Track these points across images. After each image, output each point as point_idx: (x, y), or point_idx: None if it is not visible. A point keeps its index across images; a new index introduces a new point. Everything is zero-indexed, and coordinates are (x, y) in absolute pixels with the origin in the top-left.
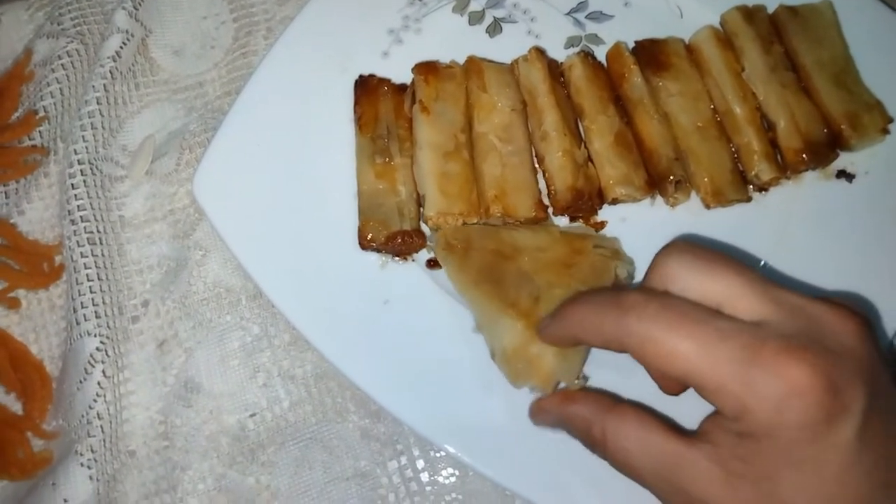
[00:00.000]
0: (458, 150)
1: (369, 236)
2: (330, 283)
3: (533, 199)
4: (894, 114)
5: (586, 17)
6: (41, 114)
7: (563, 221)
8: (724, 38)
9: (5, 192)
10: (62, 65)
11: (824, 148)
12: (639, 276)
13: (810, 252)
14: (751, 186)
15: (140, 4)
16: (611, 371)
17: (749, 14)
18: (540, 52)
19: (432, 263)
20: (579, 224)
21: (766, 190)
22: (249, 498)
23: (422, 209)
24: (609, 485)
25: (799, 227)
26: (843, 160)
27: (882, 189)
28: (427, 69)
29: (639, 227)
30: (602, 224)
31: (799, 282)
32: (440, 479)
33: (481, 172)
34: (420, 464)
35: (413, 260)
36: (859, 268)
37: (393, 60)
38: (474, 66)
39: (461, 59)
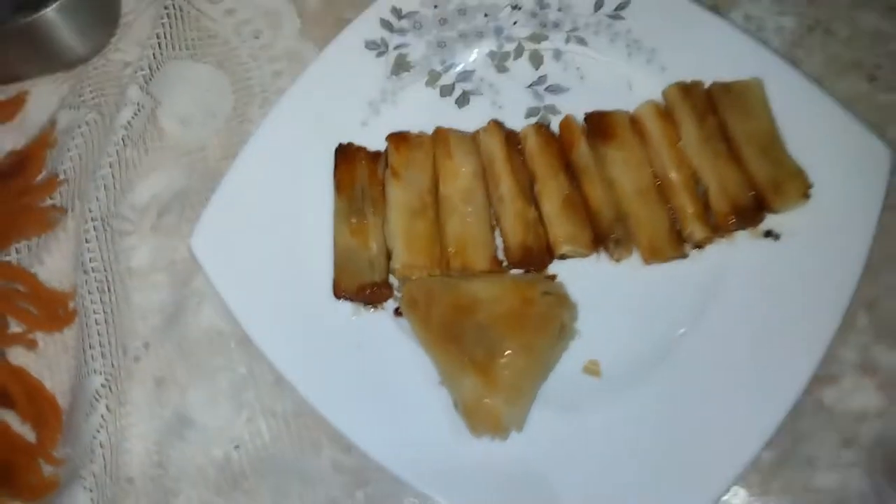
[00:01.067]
0: (424, 210)
1: (343, 287)
2: (308, 329)
3: (489, 254)
4: (817, 180)
5: (545, 89)
6: (61, 177)
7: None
8: (665, 111)
9: (28, 246)
10: (81, 133)
11: (750, 211)
12: (583, 320)
13: (741, 304)
14: (688, 244)
15: (150, 79)
16: (553, 410)
17: (687, 90)
18: (498, 124)
19: (399, 312)
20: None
21: (702, 247)
22: None
23: (391, 262)
24: None
25: (731, 281)
26: (772, 221)
27: (805, 248)
28: (399, 139)
29: (586, 280)
30: (553, 277)
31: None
32: None
33: (444, 230)
34: (385, 493)
35: (383, 308)
36: (784, 318)
37: (371, 130)
38: (441, 136)
39: (432, 128)
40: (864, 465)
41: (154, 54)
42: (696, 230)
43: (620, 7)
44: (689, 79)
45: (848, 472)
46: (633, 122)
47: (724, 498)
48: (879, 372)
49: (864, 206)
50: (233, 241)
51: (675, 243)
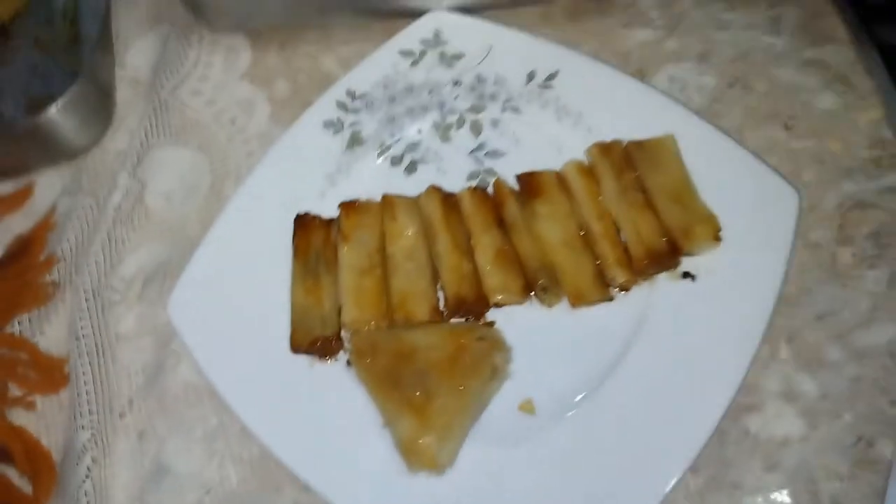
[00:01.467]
0: (372, 269)
1: (298, 341)
2: (268, 382)
3: (430, 305)
4: (731, 224)
5: (484, 154)
6: (59, 255)
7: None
8: (587, 168)
9: (29, 318)
10: (77, 216)
11: (664, 255)
12: (519, 362)
13: (663, 341)
14: (613, 288)
15: (138, 165)
16: (492, 446)
17: (606, 148)
18: (436, 189)
19: (351, 363)
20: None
21: (626, 290)
22: None
23: (341, 317)
24: None
25: (654, 320)
26: (690, 263)
27: (721, 287)
28: (349, 206)
29: (522, 325)
30: (491, 323)
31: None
32: None
33: (389, 285)
34: None
35: (336, 360)
36: (702, 352)
37: (328, 200)
38: (387, 201)
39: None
40: (788, 488)
41: (141, 143)
42: (617, 275)
43: (549, 78)
44: (611, 138)
45: (771, 495)
46: (560, 179)
47: None
48: (800, 399)
49: (775, 246)
50: (204, 305)
51: (600, 288)
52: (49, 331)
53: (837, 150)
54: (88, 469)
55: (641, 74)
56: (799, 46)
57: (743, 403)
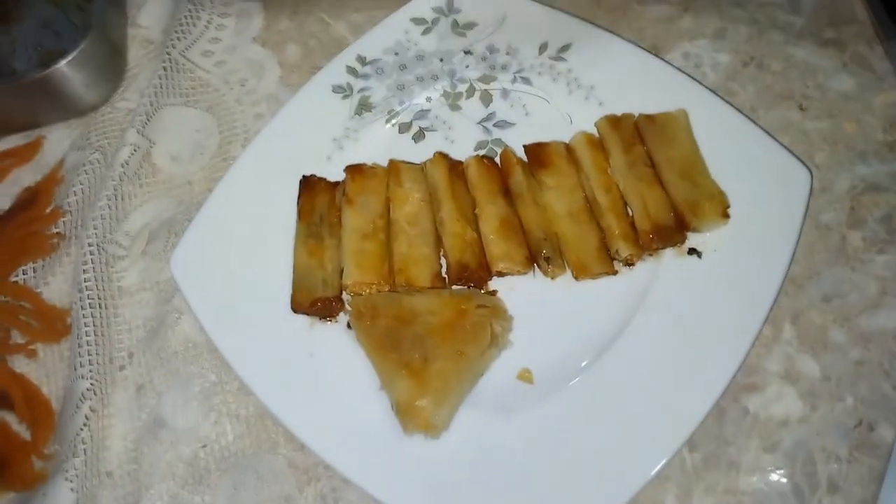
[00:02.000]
0: (375, 233)
1: (299, 301)
2: (268, 341)
3: (432, 271)
4: (742, 202)
5: (493, 125)
6: (66, 209)
7: None
8: (597, 140)
9: (33, 268)
10: (85, 171)
11: (671, 230)
12: (520, 332)
13: (665, 317)
14: (618, 262)
15: (147, 123)
16: (488, 414)
17: (616, 121)
18: (443, 156)
19: (350, 325)
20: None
21: (632, 265)
22: None
23: (342, 279)
24: None
25: (657, 295)
26: (697, 240)
27: (726, 264)
28: (355, 170)
29: (524, 294)
30: (493, 292)
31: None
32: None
33: (392, 250)
34: (332, 488)
35: (336, 321)
36: (704, 330)
37: (335, 163)
38: (393, 167)
39: (390, 160)
40: (785, 468)
41: (151, 102)
42: (621, 248)
43: (562, 50)
44: (623, 112)
45: (769, 475)
46: (569, 151)
47: (652, 497)
48: (801, 381)
49: (785, 226)
50: (207, 263)
51: (603, 261)
52: (53, 282)
53: (852, 132)
54: (86, 418)
55: (656, 50)
56: (817, 26)
57: (744, 383)
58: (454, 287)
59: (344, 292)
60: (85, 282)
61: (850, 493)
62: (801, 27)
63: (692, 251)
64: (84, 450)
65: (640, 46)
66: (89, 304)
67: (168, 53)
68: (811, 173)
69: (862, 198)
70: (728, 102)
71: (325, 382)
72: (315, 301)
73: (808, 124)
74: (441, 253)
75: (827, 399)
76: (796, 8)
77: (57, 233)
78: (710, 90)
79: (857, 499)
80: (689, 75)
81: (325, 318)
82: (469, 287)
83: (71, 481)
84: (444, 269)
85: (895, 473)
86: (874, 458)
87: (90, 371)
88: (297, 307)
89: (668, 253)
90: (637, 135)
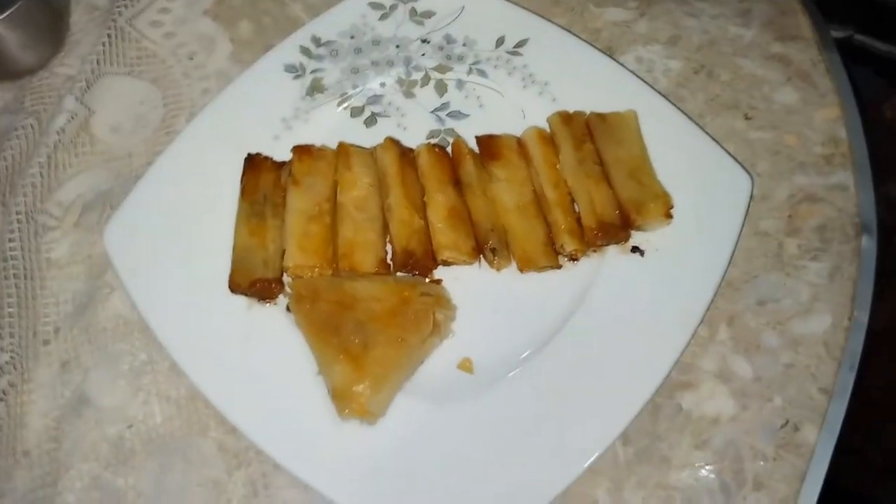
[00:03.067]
0: (320, 216)
1: (236, 282)
2: (203, 321)
3: (377, 258)
4: (685, 204)
5: (447, 115)
6: None
7: None
8: (548, 136)
9: None
10: (17, 136)
11: (616, 228)
12: (463, 322)
13: (606, 312)
14: (563, 256)
15: (87, 91)
16: (427, 402)
17: (568, 118)
18: (393, 141)
19: (289, 308)
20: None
21: (576, 260)
22: (117, 497)
23: (283, 262)
24: None
25: (599, 291)
26: (640, 238)
27: (667, 264)
28: (302, 150)
29: (468, 284)
30: (438, 281)
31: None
32: (277, 489)
33: (337, 234)
34: (262, 473)
35: (275, 304)
36: (643, 326)
37: (282, 143)
38: (342, 150)
39: (340, 143)
40: (714, 465)
41: (92, 69)
42: (566, 242)
43: (519, 45)
44: (574, 109)
45: (699, 471)
46: (520, 145)
47: (585, 490)
48: (734, 380)
49: (725, 230)
50: (142, 237)
51: (549, 255)
52: None
53: (793, 144)
54: (4, 393)
55: (610, 52)
56: (765, 40)
57: (679, 380)
58: (399, 274)
59: (285, 275)
60: (10, 251)
61: (775, 490)
62: (750, 40)
63: (635, 249)
64: (0, 426)
65: (595, 47)
66: (13, 274)
67: (114, 20)
68: (753, 180)
69: (799, 207)
70: (677, 107)
71: (261, 366)
72: (254, 282)
73: (752, 134)
74: (387, 239)
75: (757, 399)
76: (746, 22)
77: None
78: (661, 94)
79: (781, 496)
80: (642, 79)
81: (263, 299)
82: (414, 275)
83: None
84: (389, 256)
85: (816, 472)
86: (798, 458)
87: (10, 344)
88: (234, 287)
89: (612, 250)
90: (588, 133)
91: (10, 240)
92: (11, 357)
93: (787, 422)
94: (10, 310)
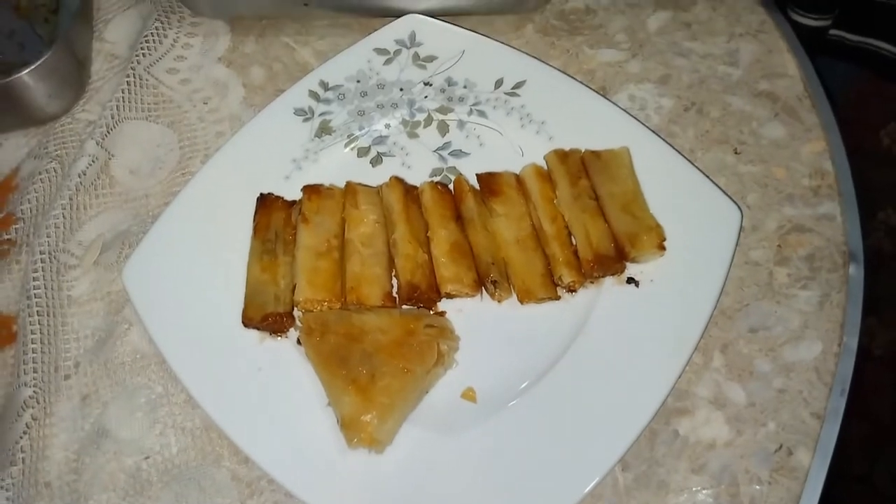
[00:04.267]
0: (329, 252)
1: (249, 316)
2: (217, 354)
3: (383, 291)
4: (677, 236)
5: (449, 153)
6: (19, 216)
7: None
8: (545, 173)
9: None
10: (41, 179)
11: (611, 260)
12: (466, 352)
13: (603, 341)
14: (561, 288)
15: (107, 135)
16: (432, 431)
17: (564, 155)
18: (398, 180)
19: (300, 341)
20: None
21: (574, 291)
22: None
23: (294, 296)
24: None
25: (596, 321)
26: (635, 270)
27: (662, 294)
28: (312, 189)
29: (471, 316)
30: (442, 313)
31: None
32: None
33: (345, 269)
34: (275, 503)
35: (286, 337)
36: (639, 355)
37: (293, 183)
38: (350, 189)
39: (347, 182)
40: (711, 489)
41: (112, 115)
42: (565, 275)
43: (517, 86)
44: (571, 147)
45: (696, 495)
46: (518, 181)
47: None
48: (728, 406)
49: (717, 261)
50: (159, 275)
51: (547, 286)
52: (0, 289)
53: (781, 177)
54: (27, 426)
55: (604, 91)
56: (753, 78)
57: (675, 407)
58: (404, 307)
59: (295, 309)
60: (34, 289)
61: None
62: (738, 78)
63: (630, 280)
64: (23, 458)
65: (589, 87)
66: (37, 311)
67: (133, 68)
68: (742, 213)
69: (788, 237)
70: (669, 143)
71: (273, 397)
72: (266, 316)
73: (741, 167)
74: (393, 273)
75: (751, 424)
76: (734, 61)
77: (7, 239)
78: (653, 131)
79: None
80: (634, 116)
81: (275, 333)
82: (419, 307)
83: (7, 490)
84: (395, 290)
85: (811, 495)
86: (792, 481)
87: (34, 379)
88: (247, 322)
89: (608, 281)
90: (583, 169)
91: (34, 278)
92: (35, 392)
93: (780, 446)
94: (34, 346)
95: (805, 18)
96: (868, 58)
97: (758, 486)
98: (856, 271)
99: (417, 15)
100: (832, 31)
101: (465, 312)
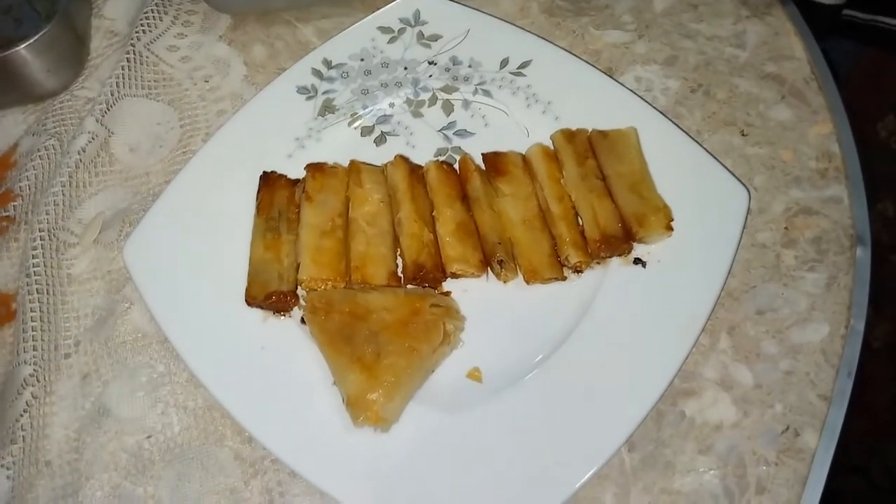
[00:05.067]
0: (333, 231)
1: (252, 295)
2: (219, 333)
3: (388, 270)
4: (685, 217)
5: (454, 133)
6: (17, 193)
7: None
8: (552, 153)
9: None
10: (39, 156)
11: (618, 240)
12: (471, 332)
13: (609, 321)
14: (567, 268)
15: (107, 112)
16: (438, 410)
17: (571, 135)
18: (403, 159)
19: (304, 320)
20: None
21: (580, 271)
22: None
23: (298, 275)
24: None
25: (603, 301)
26: (642, 250)
27: (669, 275)
28: (315, 168)
29: (477, 296)
30: (447, 293)
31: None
32: (293, 497)
33: (349, 248)
34: (278, 481)
35: (290, 316)
36: (646, 336)
37: (296, 161)
38: (354, 167)
39: (351, 161)
40: (718, 470)
41: (112, 92)
42: (571, 255)
43: (522, 66)
44: (577, 127)
45: (702, 476)
46: (525, 161)
47: (592, 494)
48: (735, 388)
49: (724, 242)
50: (160, 253)
51: (554, 267)
52: (0, 267)
53: (788, 159)
54: (27, 405)
55: (610, 72)
56: (759, 60)
57: (682, 388)
58: (409, 286)
59: (299, 287)
60: (34, 267)
61: (777, 494)
62: (745, 61)
63: (637, 261)
64: (23, 437)
65: (595, 67)
66: (37, 289)
67: (132, 45)
68: (749, 194)
69: (795, 220)
70: (676, 124)
71: (276, 376)
72: (269, 295)
73: (748, 149)
74: (398, 253)
75: (758, 406)
76: (741, 43)
77: (6, 216)
78: (660, 112)
79: (783, 500)
80: (641, 97)
81: (278, 312)
82: (424, 287)
83: (8, 468)
84: (400, 269)
85: (817, 476)
86: (799, 462)
87: (33, 357)
88: (251, 300)
89: (615, 262)
90: (590, 149)
91: (34, 256)
92: (35, 370)
93: (787, 427)
94: (34, 324)
95: None
96: (879, 35)
97: (765, 467)
98: (863, 254)
99: None
100: (845, 12)
101: (470, 292)
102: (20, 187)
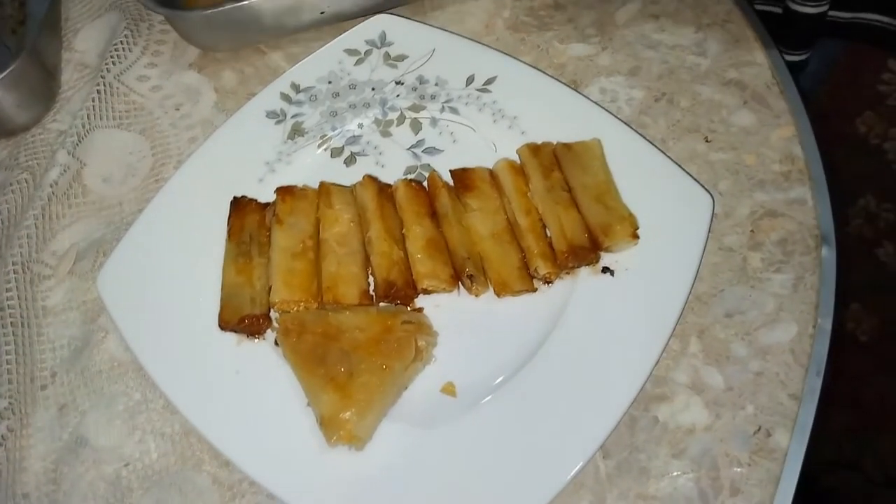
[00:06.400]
0: (304, 252)
1: (226, 319)
2: (194, 359)
3: (359, 289)
4: (650, 225)
5: (422, 151)
6: None
7: None
8: (518, 167)
9: None
10: (12, 190)
11: (586, 250)
12: (444, 347)
13: (580, 331)
14: (538, 280)
15: (78, 144)
16: (412, 426)
17: (536, 149)
18: (371, 178)
19: (278, 342)
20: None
21: (550, 282)
22: None
23: (270, 297)
24: None
25: (574, 312)
26: (610, 259)
27: (637, 282)
28: (285, 191)
29: (449, 311)
30: (420, 309)
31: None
32: None
33: (321, 269)
34: None
35: (264, 339)
36: (616, 343)
37: (266, 185)
38: (324, 189)
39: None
40: (692, 473)
41: (83, 124)
42: (540, 266)
43: (487, 83)
44: (543, 141)
45: (677, 480)
46: (492, 176)
47: (569, 502)
48: (706, 391)
49: (690, 248)
50: (134, 282)
51: (524, 279)
52: None
53: (751, 163)
54: (3, 437)
55: (575, 85)
56: (721, 67)
57: (654, 393)
58: (381, 304)
59: (272, 310)
60: (7, 301)
61: (751, 494)
62: (707, 68)
63: (605, 270)
64: (0, 470)
65: (560, 81)
66: (10, 322)
67: (103, 77)
68: (714, 200)
69: (761, 222)
70: (640, 134)
71: (252, 399)
72: (243, 318)
73: (712, 155)
74: (369, 271)
75: (730, 408)
76: (703, 51)
77: None
78: (625, 122)
79: (757, 500)
80: (605, 108)
81: (252, 335)
82: (396, 304)
83: None
84: (371, 288)
85: (790, 475)
86: (771, 462)
87: (9, 390)
88: (224, 325)
89: (584, 271)
90: (555, 162)
91: (7, 290)
92: (10, 403)
93: (759, 428)
94: (8, 357)
95: (805, 7)
96: (859, 31)
97: (738, 469)
98: (828, 253)
99: (387, 15)
100: (829, 14)
101: (442, 307)
102: None
